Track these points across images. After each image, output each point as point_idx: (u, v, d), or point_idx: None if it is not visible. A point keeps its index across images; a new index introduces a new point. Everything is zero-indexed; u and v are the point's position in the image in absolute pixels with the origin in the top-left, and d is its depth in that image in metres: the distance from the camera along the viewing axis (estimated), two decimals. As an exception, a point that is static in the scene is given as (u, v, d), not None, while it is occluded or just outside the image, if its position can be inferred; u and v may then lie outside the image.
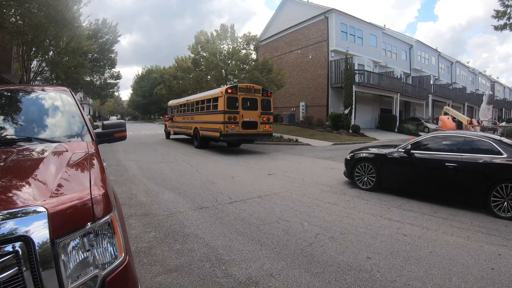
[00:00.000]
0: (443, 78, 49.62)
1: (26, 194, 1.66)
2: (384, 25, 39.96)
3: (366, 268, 3.93)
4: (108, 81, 36.95)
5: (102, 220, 1.69)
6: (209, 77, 28.67)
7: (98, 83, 35.02)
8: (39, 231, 1.44)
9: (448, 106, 39.52)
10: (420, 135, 11.79)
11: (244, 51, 27.74)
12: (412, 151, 7.77)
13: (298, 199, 7.26)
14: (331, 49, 31.24)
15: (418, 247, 4.70)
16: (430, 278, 3.73)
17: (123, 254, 1.80)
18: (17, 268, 1.37)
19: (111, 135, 3.57)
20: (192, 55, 28.84)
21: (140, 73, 79.80)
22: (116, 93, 51.70)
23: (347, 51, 30.26)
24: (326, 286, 3.49)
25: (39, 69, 23.46)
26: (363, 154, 8.75)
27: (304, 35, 34.40)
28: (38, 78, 23.78)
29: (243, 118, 15.65)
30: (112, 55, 33.77)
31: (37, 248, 1.42)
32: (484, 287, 3.59)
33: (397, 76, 36.72)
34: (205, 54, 27.54)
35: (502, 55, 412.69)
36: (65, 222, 1.55)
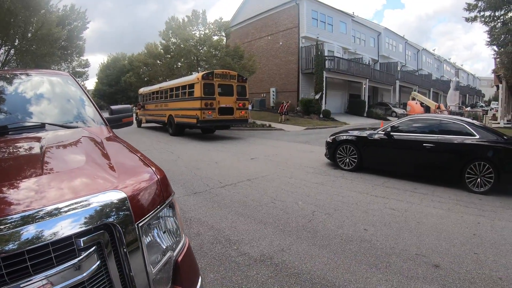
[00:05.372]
0: (410, 65, 51.31)
1: (95, 179, 1.50)
2: (353, 12, 40.63)
3: (366, 239, 4.31)
4: (77, 69, 35.36)
5: (167, 201, 1.66)
6: (179, 63, 28.31)
7: (66, 72, 33.37)
8: (122, 217, 1.35)
9: (415, 91, 40.83)
10: (388, 119, 12.31)
11: (216, 37, 27.57)
12: (392, 133, 8.21)
13: (287, 181, 7.53)
14: (301, 36, 31.51)
15: (407, 218, 5.17)
16: (423, 244, 4.19)
17: (183, 235, 1.81)
18: (101, 259, 1.28)
19: (119, 120, 3.36)
20: (163, 41, 28.32)
21: (105, 61, 77.30)
22: (82, 82, 49.68)
23: (318, 37, 30.58)
24: (335, 256, 3.80)
25: (7, 58, 22.37)
26: (344, 136, 9.13)
27: (275, 22, 34.37)
28: (5, 68, 22.63)
29: (220, 104, 15.70)
30: (81, 43, 32.33)
31: (123, 234, 1.33)
32: (469, 249, 4.08)
33: (365, 63, 37.73)
34: (175, 41, 27.17)
35: (467, 44, 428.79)
36: (142, 205, 1.48)
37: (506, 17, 11.33)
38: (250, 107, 26.33)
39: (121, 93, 66.83)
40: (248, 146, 13.74)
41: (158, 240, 1.56)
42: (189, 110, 15.95)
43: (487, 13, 11.27)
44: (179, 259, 1.67)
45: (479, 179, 6.95)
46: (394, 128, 8.34)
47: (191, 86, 16.04)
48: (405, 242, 4.22)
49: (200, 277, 1.89)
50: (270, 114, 29.03)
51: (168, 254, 1.57)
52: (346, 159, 8.92)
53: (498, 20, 11.53)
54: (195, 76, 16.47)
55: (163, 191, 1.64)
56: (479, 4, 11.00)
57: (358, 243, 4.14)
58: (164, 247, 1.57)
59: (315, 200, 6.05)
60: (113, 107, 3.50)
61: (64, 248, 1.18)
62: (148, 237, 1.49)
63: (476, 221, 5.18)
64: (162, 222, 1.63)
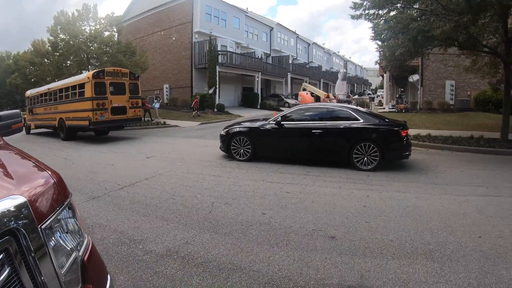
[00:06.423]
0: (301, 58, 54.77)
1: None
2: (247, 8, 42.06)
3: (265, 222, 4.73)
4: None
5: (66, 203, 1.68)
6: (69, 62, 26.25)
7: None
8: (25, 221, 1.33)
9: (306, 82, 43.64)
10: (282, 110, 13.16)
11: (107, 33, 26.19)
12: (282, 122, 8.89)
13: (184, 176, 7.70)
14: (195, 31, 31.41)
15: (302, 199, 5.77)
16: (318, 220, 4.76)
17: (86, 235, 1.83)
18: (11, 266, 1.25)
19: (9, 127, 3.23)
20: (52, 38, 25.78)
21: (-13, 62, 67.53)
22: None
23: (211, 32, 30.90)
24: (237, 241, 4.11)
25: None
26: (237, 128, 9.57)
27: (168, 16, 33.69)
28: None
29: (112, 104, 15.05)
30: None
31: (28, 239, 1.31)
32: (361, 219, 4.79)
33: (258, 57, 39.26)
34: (64, 37, 25.07)
35: (355, 38, 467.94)
36: (42, 208, 1.48)
37: (388, 15, 12.66)
38: (158, 105, 25.71)
39: (6, 97, 58.78)
40: (144, 145, 13.50)
41: (61, 242, 1.57)
42: (81, 111, 14.92)
43: (372, 11, 12.46)
44: (85, 258, 1.70)
45: (365, 158, 7.99)
46: (285, 118, 9.00)
47: (82, 86, 14.98)
48: (302, 220, 4.74)
49: (108, 275, 1.95)
50: (165, 111, 28.43)
51: (74, 255, 1.60)
52: (241, 150, 9.36)
53: (381, 18, 12.83)
54: (85, 75, 15.46)
55: (61, 193, 1.67)
56: (364, 3, 12.14)
57: (258, 227, 4.52)
58: (69, 248, 1.60)
59: (214, 192, 6.34)
60: (1, 113, 3.36)
61: None
62: (52, 240, 1.50)
63: (365, 194, 6.00)
64: (64, 223, 1.64)
